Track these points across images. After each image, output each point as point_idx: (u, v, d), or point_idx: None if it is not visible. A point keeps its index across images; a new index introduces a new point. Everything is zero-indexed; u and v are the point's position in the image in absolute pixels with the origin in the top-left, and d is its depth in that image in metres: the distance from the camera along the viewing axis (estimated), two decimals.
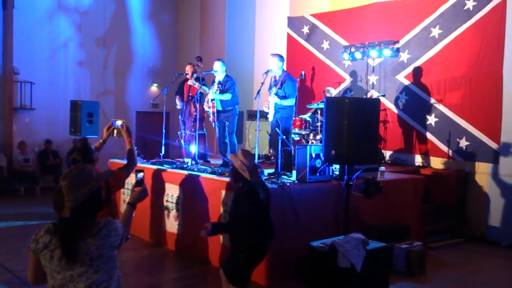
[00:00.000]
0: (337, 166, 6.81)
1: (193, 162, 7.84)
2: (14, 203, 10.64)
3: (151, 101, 12.69)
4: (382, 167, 7.62)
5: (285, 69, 7.57)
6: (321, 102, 8.25)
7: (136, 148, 6.40)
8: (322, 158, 6.12)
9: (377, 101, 6.11)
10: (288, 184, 6.20)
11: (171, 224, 7.25)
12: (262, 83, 7.23)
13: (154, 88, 14.37)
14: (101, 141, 4.90)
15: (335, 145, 5.36)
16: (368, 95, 9.69)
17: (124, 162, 4.77)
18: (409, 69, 9.44)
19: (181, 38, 14.77)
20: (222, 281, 4.43)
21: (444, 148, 8.85)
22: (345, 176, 5.59)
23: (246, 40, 12.77)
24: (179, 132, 9.12)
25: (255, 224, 4.25)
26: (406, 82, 9.48)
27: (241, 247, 4.29)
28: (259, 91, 7.20)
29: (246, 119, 10.94)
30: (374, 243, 5.13)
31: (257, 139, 7.52)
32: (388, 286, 5.24)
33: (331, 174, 6.73)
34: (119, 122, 4.87)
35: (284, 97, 7.13)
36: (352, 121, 5.22)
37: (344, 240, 4.90)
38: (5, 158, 11.67)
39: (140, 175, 3.11)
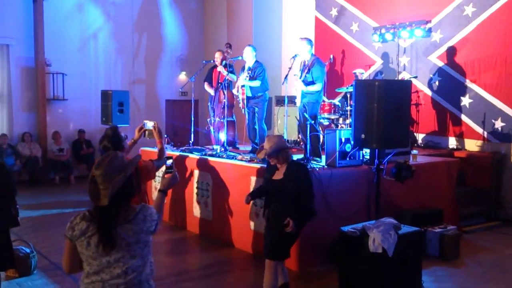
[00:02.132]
0: (368, 150, 6.71)
1: (222, 149, 7.86)
2: (49, 191, 10.90)
3: (180, 89, 12.81)
4: (414, 151, 7.48)
5: (313, 53, 7.46)
6: (350, 86, 8.12)
7: (166, 136, 6.47)
8: (352, 143, 6.04)
9: (408, 83, 5.97)
10: (317, 169, 6.15)
11: (202, 211, 7.31)
12: (290, 68, 7.15)
13: (182, 76, 14.42)
14: (132, 140, 4.97)
15: (365, 129, 5.27)
16: (400, 77, 9.50)
17: (154, 150, 4.84)
18: (442, 50, 9.19)
19: (208, 26, 14.75)
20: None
21: (479, 129, 8.62)
22: (376, 160, 5.50)
23: (273, 25, 12.65)
24: (208, 119, 9.14)
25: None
26: (439, 63, 9.25)
27: (300, 215, 4.48)
28: (286, 76, 7.12)
29: (274, 105, 10.89)
30: (407, 227, 5.05)
31: (285, 125, 7.48)
32: (421, 270, 5.16)
33: (361, 158, 6.65)
34: (150, 124, 4.90)
35: (311, 83, 7.03)
36: (383, 104, 5.10)
37: (375, 225, 4.83)
38: (40, 148, 11.96)
39: (170, 161, 3.13)
